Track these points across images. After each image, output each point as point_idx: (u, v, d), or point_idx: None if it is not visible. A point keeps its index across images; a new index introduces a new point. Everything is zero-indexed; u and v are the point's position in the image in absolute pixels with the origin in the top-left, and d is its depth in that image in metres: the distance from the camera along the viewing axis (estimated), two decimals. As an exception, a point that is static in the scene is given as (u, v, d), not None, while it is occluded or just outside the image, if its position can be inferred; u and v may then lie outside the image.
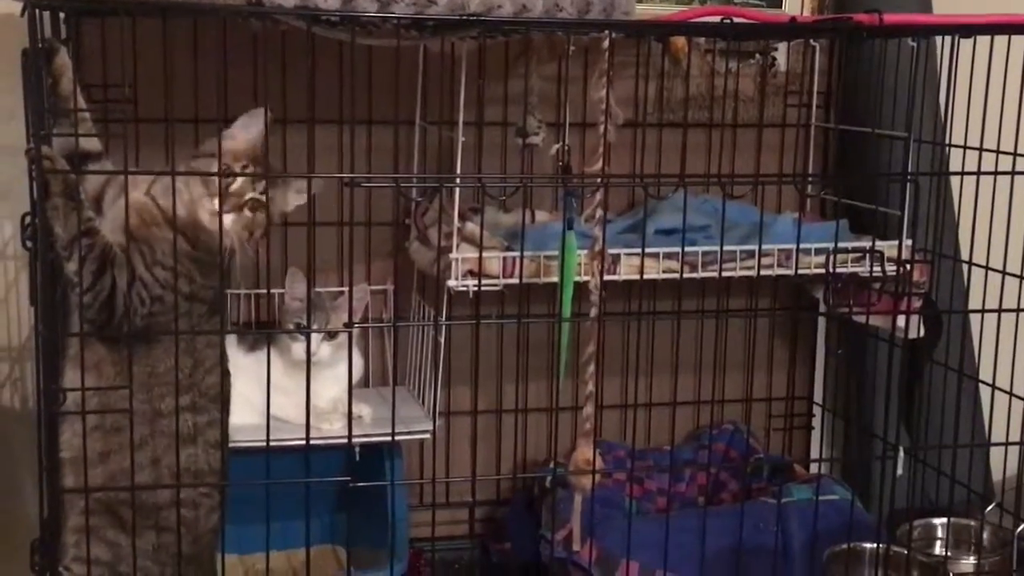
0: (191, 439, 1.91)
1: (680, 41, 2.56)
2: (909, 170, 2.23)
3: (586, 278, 2.10)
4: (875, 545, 2.25)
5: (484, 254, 2.13)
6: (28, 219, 1.82)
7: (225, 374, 1.95)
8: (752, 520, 2.31)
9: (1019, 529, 2.36)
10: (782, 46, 2.70)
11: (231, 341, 2.17)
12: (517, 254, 2.16)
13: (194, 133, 2.12)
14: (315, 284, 2.09)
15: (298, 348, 2.21)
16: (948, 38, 2.17)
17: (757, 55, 2.68)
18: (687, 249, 2.23)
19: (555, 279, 2.11)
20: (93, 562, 1.86)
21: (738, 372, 2.75)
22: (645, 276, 2.21)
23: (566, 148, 2.15)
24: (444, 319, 2.22)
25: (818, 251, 2.32)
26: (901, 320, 2.28)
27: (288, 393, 2.12)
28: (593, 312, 2.06)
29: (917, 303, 2.33)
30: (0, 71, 2.17)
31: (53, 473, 1.85)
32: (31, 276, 1.83)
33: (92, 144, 1.92)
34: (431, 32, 2.03)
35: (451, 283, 2.16)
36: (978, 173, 2.21)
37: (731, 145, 2.66)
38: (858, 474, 2.66)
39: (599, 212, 2.04)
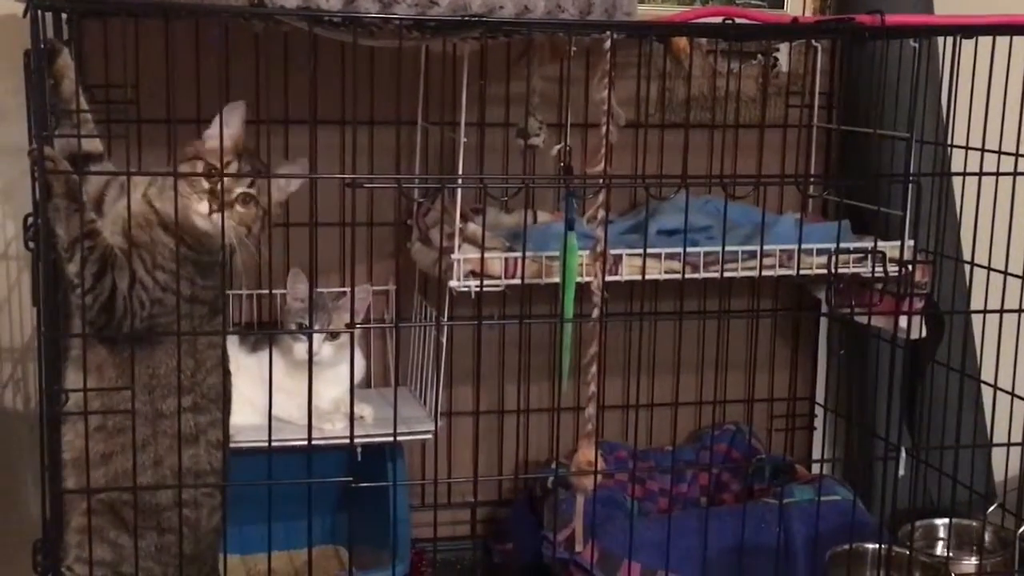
0: (193, 439, 1.91)
1: (682, 42, 2.56)
2: (911, 171, 2.24)
3: (588, 279, 2.10)
4: (877, 546, 2.25)
5: (486, 255, 2.13)
6: (30, 220, 1.82)
7: (226, 374, 1.95)
8: (754, 521, 2.31)
9: (1021, 530, 2.36)
10: (784, 47, 2.70)
11: (233, 342, 2.17)
12: (519, 255, 2.16)
13: (196, 134, 2.12)
14: (317, 284, 2.09)
15: (300, 348, 2.21)
16: (950, 39, 2.17)
17: (759, 56, 2.68)
18: (689, 250, 2.23)
19: (557, 280, 2.11)
20: (96, 563, 1.86)
21: (740, 372, 2.75)
22: (647, 277, 2.21)
23: (568, 149, 2.15)
24: (446, 319, 2.22)
25: (820, 252, 2.32)
26: (903, 321, 2.28)
27: (290, 393, 2.13)
28: (595, 313, 2.06)
29: (919, 304, 2.33)
30: (2, 72, 2.18)
31: (55, 474, 1.85)
32: (33, 277, 1.83)
33: (93, 145, 1.92)
34: (433, 33, 2.03)
35: (453, 283, 2.16)
36: (980, 174, 2.21)
37: (733, 146, 2.66)
38: (860, 475, 2.66)
39: (601, 213, 2.04)
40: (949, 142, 2.29)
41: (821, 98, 2.70)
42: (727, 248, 2.21)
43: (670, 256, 2.27)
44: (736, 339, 2.75)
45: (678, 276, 2.26)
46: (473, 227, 2.23)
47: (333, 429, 2.20)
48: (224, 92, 1.84)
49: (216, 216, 1.82)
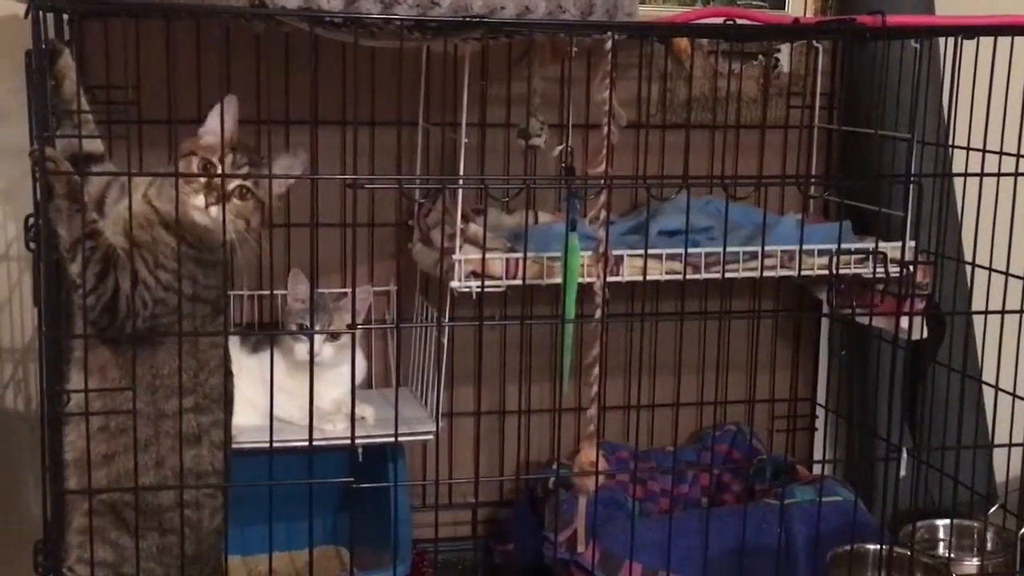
0: (196, 440, 1.91)
1: (683, 42, 2.56)
2: (912, 171, 2.23)
3: (589, 279, 2.10)
4: (878, 546, 2.25)
5: (487, 255, 2.13)
6: (32, 221, 1.82)
7: (228, 375, 1.95)
8: (755, 521, 2.31)
9: (1022, 530, 2.36)
10: (785, 47, 2.70)
11: (234, 342, 2.17)
12: (520, 255, 2.16)
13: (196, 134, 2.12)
14: (318, 285, 2.09)
15: (301, 349, 2.21)
16: (951, 39, 2.17)
17: (760, 56, 2.68)
18: (690, 250, 2.23)
19: (558, 280, 2.11)
20: (97, 563, 1.86)
21: (741, 373, 2.75)
22: (648, 277, 2.21)
23: (569, 149, 2.15)
24: (447, 320, 2.22)
25: (821, 252, 2.32)
26: (904, 321, 2.28)
27: (291, 394, 2.13)
28: (597, 313, 2.06)
29: (920, 304, 2.33)
30: (4, 72, 2.18)
31: (56, 474, 1.85)
32: (34, 278, 1.83)
33: (94, 146, 1.92)
34: (434, 33, 2.03)
35: (454, 284, 2.16)
36: (981, 175, 2.21)
37: (734, 146, 2.66)
38: (861, 475, 2.65)
39: (602, 213, 2.04)
40: (950, 143, 2.29)
41: (822, 99, 2.70)
42: (728, 249, 2.21)
43: (671, 257, 2.27)
44: (737, 340, 2.75)
45: (679, 277, 2.26)
46: (474, 228, 2.23)
47: (334, 430, 2.20)
48: (225, 93, 1.84)
49: (213, 210, 1.82)
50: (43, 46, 1.76)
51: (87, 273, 1.78)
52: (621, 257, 2.25)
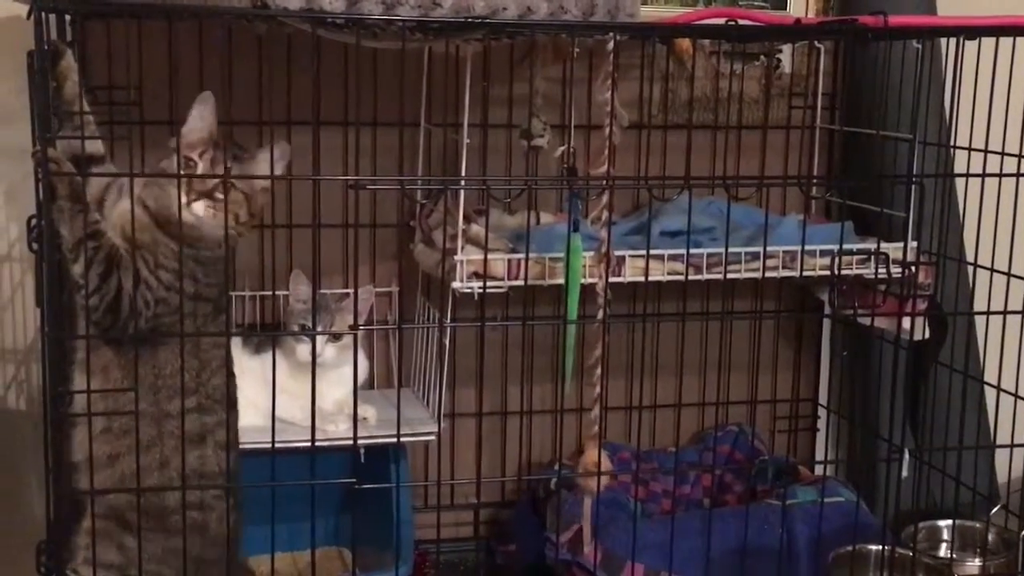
0: (201, 440, 1.91)
1: (685, 43, 2.56)
2: (914, 172, 2.23)
3: (591, 280, 2.10)
4: (880, 547, 2.25)
5: (489, 256, 2.13)
6: (34, 222, 1.82)
7: (230, 376, 1.95)
8: (757, 522, 2.31)
9: (1024, 531, 2.36)
10: (787, 48, 2.71)
11: (236, 343, 2.17)
12: (522, 256, 2.16)
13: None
14: (320, 286, 2.09)
15: (302, 350, 2.21)
16: (952, 40, 2.17)
17: (762, 57, 2.68)
18: (692, 251, 2.23)
19: (560, 281, 2.11)
20: (105, 566, 1.86)
21: (743, 374, 2.75)
22: (650, 278, 2.21)
23: (571, 150, 2.15)
24: (449, 321, 2.22)
25: (823, 253, 2.32)
26: (906, 322, 2.28)
27: (293, 395, 2.13)
28: (599, 314, 2.06)
29: (922, 305, 2.33)
30: (6, 73, 2.18)
31: (58, 475, 1.85)
32: (37, 278, 1.84)
33: (95, 147, 1.92)
34: (436, 34, 2.03)
35: (456, 285, 2.16)
36: (983, 175, 2.21)
37: (736, 147, 2.66)
38: (863, 476, 2.65)
39: (604, 214, 2.04)
40: (952, 143, 2.29)
41: (824, 99, 2.70)
42: (730, 249, 2.22)
43: (673, 257, 2.27)
44: (739, 340, 2.75)
45: (681, 277, 2.26)
46: (476, 228, 2.23)
47: (336, 430, 2.20)
48: (227, 93, 1.84)
49: (196, 205, 1.82)
50: (45, 47, 1.76)
51: (90, 273, 1.78)
52: (623, 258, 2.25)
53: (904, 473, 2.37)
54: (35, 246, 1.82)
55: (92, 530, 1.85)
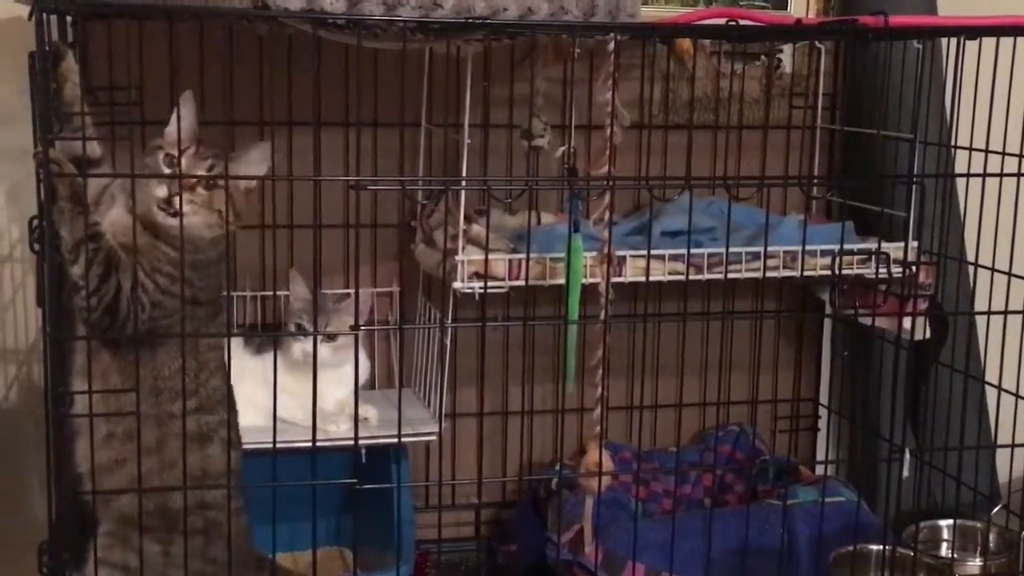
0: (208, 439, 1.91)
1: (685, 43, 2.56)
2: (915, 172, 2.23)
3: (592, 280, 2.10)
4: (881, 547, 2.25)
5: (490, 256, 2.13)
6: (36, 222, 1.82)
7: (225, 378, 1.96)
8: (758, 522, 2.31)
9: (1025, 531, 2.36)
10: (787, 48, 2.71)
11: (238, 344, 2.18)
12: (523, 256, 2.16)
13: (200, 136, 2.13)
14: (321, 286, 2.09)
15: (296, 348, 2.21)
16: (953, 39, 2.17)
17: (762, 57, 2.68)
18: (693, 251, 2.23)
19: (561, 281, 2.11)
20: (122, 568, 1.86)
21: (744, 374, 2.75)
22: (651, 278, 2.21)
23: (572, 150, 2.15)
24: (450, 321, 2.22)
25: (824, 253, 2.32)
26: (907, 322, 2.28)
27: (294, 395, 2.13)
28: (600, 314, 2.06)
29: (923, 305, 2.33)
30: (8, 74, 2.18)
31: (60, 475, 1.85)
32: (38, 279, 1.84)
33: (93, 150, 1.92)
34: (437, 35, 2.03)
35: (457, 285, 2.16)
36: (984, 175, 2.21)
37: (736, 147, 2.66)
38: (864, 476, 2.66)
39: (605, 214, 2.04)
40: (953, 143, 2.29)
41: (825, 99, 2.70)
42: (731, 249, 2.22)
43: (674, 257, 2.27)
44: (740, 340, 2.75)
45: (682, 277, 2.26)
46: (477, 229, 2.23)
47: (337, 431, 2.20)
48: (228, 94, 1.84)
49: (176, 200, 1.81)
50: (47, 48, 1.76)
51: (90, 274, 1.78)
52: (624, 258, 2.25)
53: (905, 473, 2.37)
54: (36, 247, 1.82)
55: (94, 533, 1.85)
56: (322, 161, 1.86)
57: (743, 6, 2.66)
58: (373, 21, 1.84)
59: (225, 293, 1.95)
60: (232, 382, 1.98)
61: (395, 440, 2.13)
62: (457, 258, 2.15)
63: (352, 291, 2.31)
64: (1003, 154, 2.20)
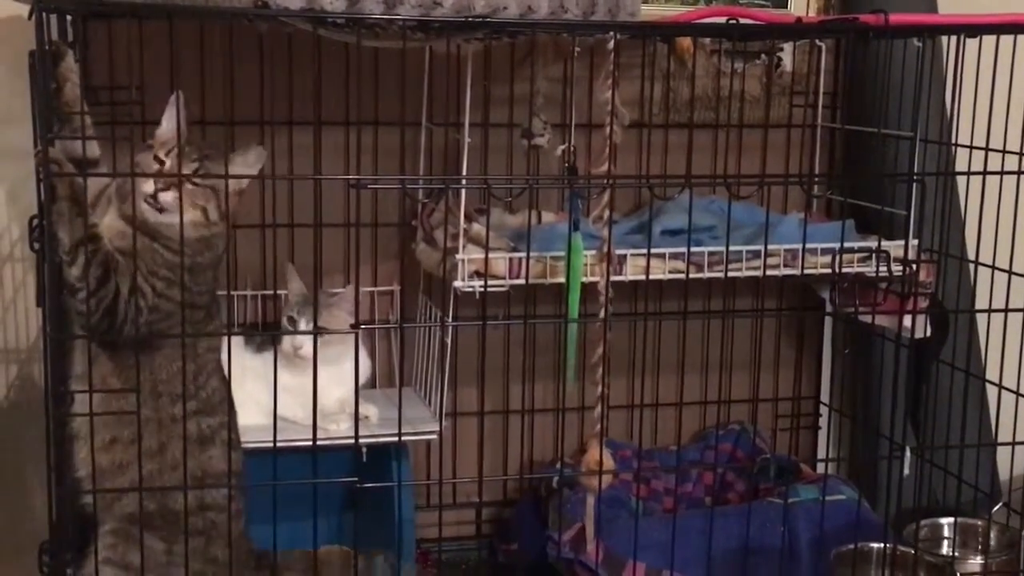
0: (210, 440, 1.91)
1: (686, 42, 2.56)
2: (915, 170, 2.23)
3: (592, 279, 2.10)
4: (882, 545, 2.25)
5: (490, 255, 2.13)
6: (35, 222, 1.82)
7: (224, 379, 1.96)
8: (759, 520, 2.31)
9: (1026, 529, 2.36)
10: (788, 46, 2.70)
11: (238, 342, 2.17)
12: (523, 255, 2.16)
13: (200, 135, 2.13)
14: (322, 285, 2.09)
15: (286, 341, 2.21)
16: (954, 37, 2.17)
17: (763, 55, 2.68)
18: (693, 249, 2.23)
19: (561, 280, 2.11)
20: (125, 567, 1.87)
21: (744, 372, 2.75)
22: (651, 277, 2.21)
23: (572, 149, 2.15)
24: (451, 320, 2.22)
25: (824, 251, 2.32)
26: (908, 320, 2.28)
27: (294, 394, 2.13)
28: (600, 313, 2.06)
29: (923, 303, 2.33)
30: (8, 74, 2.18)
31: (61, 475, 1.85)
32: (38, 278, 1.84)
33: (92, 150, 1.92)
34: (437, 34, 2.03)
35: (457, 284, 2.16)
36: (984, 173, 2.21)
37: (737, 145, 2.66)
38: (865, 474, 2.66)
39: (605, 213, 2.04)
40: (953, 141, 2.29)
41: (825, 98, 2.70)
42: (731, 248, 2.22)
43: (674, 256, 2.27)
44: (740, 339, 2.75)
45: (682, 276, 2.26)
46: (477, 227, 2.23)
47: (338, 429, 2.20)
48: (228, 94, 1.84)
49: (163, 195, 1.82)
50: (47, 47, 1.76)
51: (89, 276, 1.78)
52: (624, 256, 2.25)
53: (906, 471, 2.37)
54: (36, 246, 1.82)
55: (95, 535, 1.85)
56: (322, 160, 1.86)
57: (743, 5, 2.66)
58: (373, 20, 1.83)
59: (223, 294, 1.95)
60: (234, 381, 1.99)
61: (396, 439, 2.13)
62: (458, 257, 2.15)
63: (346, 286, 2.31)
64: (1003, 152, 2.20)
